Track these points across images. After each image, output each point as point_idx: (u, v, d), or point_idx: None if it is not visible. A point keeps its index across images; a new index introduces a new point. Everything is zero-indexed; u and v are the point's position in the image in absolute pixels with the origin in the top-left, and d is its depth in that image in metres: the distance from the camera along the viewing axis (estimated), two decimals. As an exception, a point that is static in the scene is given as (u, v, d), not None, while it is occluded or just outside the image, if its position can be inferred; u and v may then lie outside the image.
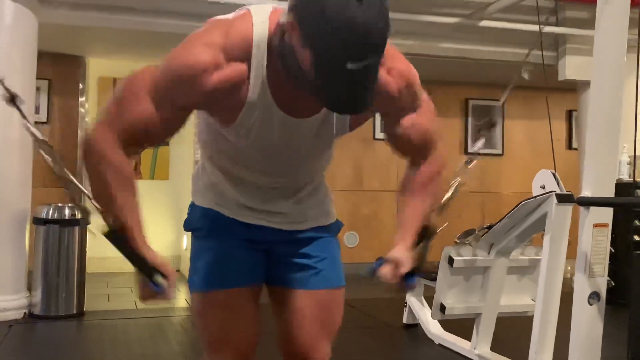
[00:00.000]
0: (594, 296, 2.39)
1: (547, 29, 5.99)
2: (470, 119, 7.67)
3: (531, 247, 3.85)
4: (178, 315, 5.09)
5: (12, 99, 1.46)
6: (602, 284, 2.41)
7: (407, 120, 1.53)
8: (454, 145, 7.52)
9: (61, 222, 4.71)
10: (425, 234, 1.60)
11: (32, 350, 4.02)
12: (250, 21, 1.39)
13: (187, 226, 1.73)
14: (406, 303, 4.48)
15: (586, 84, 6.48)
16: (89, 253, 4.97)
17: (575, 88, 6.68)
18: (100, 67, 6.78)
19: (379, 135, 6.85)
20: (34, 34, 4.82)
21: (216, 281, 1.61)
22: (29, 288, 4.81)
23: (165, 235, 7.38)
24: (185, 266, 6.91)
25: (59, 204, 4.81)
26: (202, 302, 1.65)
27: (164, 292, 1.38)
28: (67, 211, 4.77)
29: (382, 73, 1.40)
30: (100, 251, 5.17)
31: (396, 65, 1.47)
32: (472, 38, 6.02)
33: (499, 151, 7.71)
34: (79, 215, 4.80)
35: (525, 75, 6.53)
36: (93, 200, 1.43)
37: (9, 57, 4.61)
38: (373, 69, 1.25)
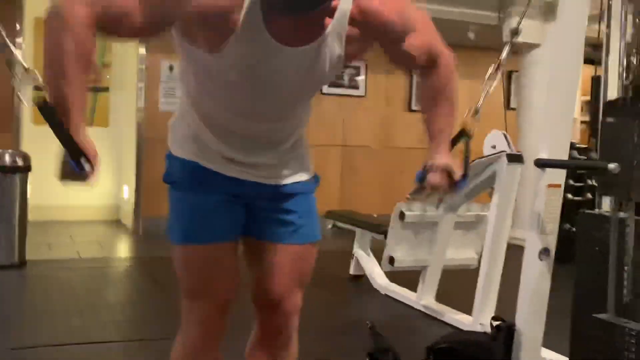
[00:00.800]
0: (545, 252, 2.50)
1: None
2: (415, 77, 7.73)
3: (476, 204, 3.98)
4: (121, 265, 5.04)
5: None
6: (552, 241, 2.52)
7: (407, 44, 1.52)
8: (399, 101, 7.60)
9: (2, 168, 4.53)
10: (462, 137, 1.72)
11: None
12: None
13: (166, 179, 1.69)
14: (353, 255, 4.56)
15: (530, 46, 6.66)
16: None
17: (517, 50, 6.82)
18: (37, 6, 6.45)
19: (327, 90, 6.83)
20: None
21: (197, 236, 1.59)
22: (-34, 237, 4.64)
23: (106, 183, 7.20)
24: (126, 216, 6.89)
25: (-1, 150, 4.62)
26: (182, 254, 1.64)
27: (84, 175, 1.34)
28: (7, 158, 4.59)
29: (374, 2, 1.42)
30: (39, 198, 5.06)
31: None
32: (421, -4, 6.03)
33: (440, 109, 7.83)
34: (20, 162, 4.62)
35: (471, 36, 6.64)
36: (39, 70, 1.37)
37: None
38: None
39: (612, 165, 2.06)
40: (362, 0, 1.41)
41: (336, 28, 1.42)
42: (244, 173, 1.62)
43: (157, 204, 6.59)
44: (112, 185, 7.23)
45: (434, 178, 1.57)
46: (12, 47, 1.41)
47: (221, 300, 1.62)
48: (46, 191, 5.58)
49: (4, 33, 1.42)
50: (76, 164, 1.33)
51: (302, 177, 1.71)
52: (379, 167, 7.45)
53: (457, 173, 1.58)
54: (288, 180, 1.68)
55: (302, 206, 1.70)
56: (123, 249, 5.82)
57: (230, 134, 1.59)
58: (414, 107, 7.65)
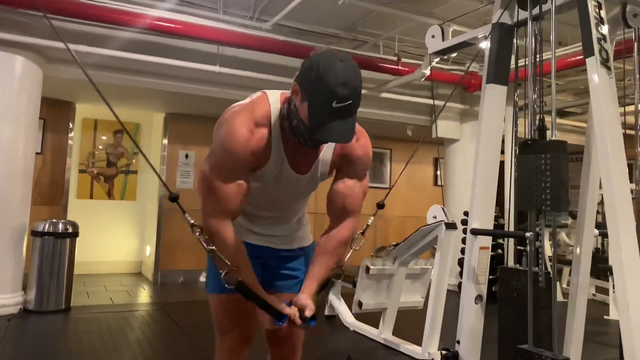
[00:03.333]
0: (478, 298, 2.53)
1: (425, 100, 6.34)
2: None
3: (421, 260, 4.02)
4: (141, 310, 4.89)
5: (174, 199, 1.52)
6: (484, 289, 2.55)
7: (350, 182, 1.59)
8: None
9: (55, 234, 4.44)
10: (325, 286, 1.60)
11: (28, 339, 3.72)
12: (267, 100, 1.49)
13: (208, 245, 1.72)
14: (328, 300, 4.53)
15: (450, 140, 6.91)
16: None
17: (442, 142, 7.07)
18: (85, 110, 6.49)
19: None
20: (39, 84, 4.57)
21: (227, 288, 1.61)
22: (24, 288, 4.48)
23: (132, 244, 7.08)
24: (147, 270, 6.72)
25: (54, 220, 4.53)
26: (216, 301, 1.67)
27: (281, 326, 1.46)
28: (60, 226, 4.50)
29: (354, 139, 1.50)
30: (78, 256, 4.93)
31: (363, 140, 1.58)
32: (374, 104, 6.26)
33: (387, 185, 7.99)
34: (70, 229, 4.54)
35: (409, 132, 6.86)
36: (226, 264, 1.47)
37: (18, 101, 4.34)
38: (352, 109, 1.35)
39: (527, 234, 2.13)
40: (346, 146, 1.54)
41: (325, 155, 1.56)
42: (262, 241, 1.70)
43: (172, 259, 6.50)
44: (136, 245, 7.10)
45: (290, 311, 1.48)
46: (187, 217, 1.49)
47: (245, 335, 1.66)
48: (84, 250, 5.46)
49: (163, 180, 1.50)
50: (277, 319, 1.45)
51: (304, 243, 1.78)
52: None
53: (309, 311, 1.48)
54: (294, 246, 1.75)
55: (303, 265, 1.75)
56: (146, 296, 5.64)
57: (253, 217, 1.68)
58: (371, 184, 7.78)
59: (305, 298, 1.51)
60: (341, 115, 1.32)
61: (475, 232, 2.44)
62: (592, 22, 2.15)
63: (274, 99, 1.49)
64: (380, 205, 1.89)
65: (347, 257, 1.67)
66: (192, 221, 1.46)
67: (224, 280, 1.45)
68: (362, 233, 1.72)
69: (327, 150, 1.56)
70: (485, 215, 2.54)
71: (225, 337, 1.65)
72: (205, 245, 1.45)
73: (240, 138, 1.40)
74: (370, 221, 1.80)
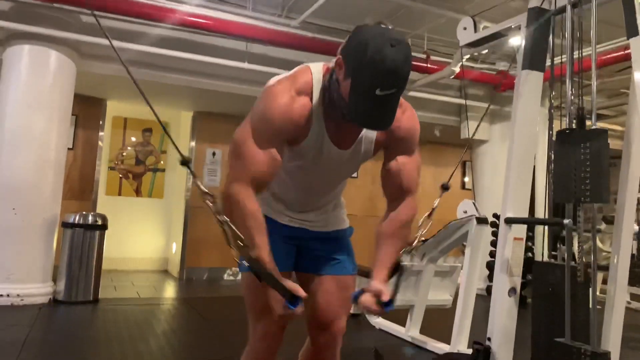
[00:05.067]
0: (512, 290, 2.45)
1: (454, 100, 6.26)
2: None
3: (451, 257, 3.95)
4: (167, 304, 4.93)
5: (185, 162, 1.40)
6: (517, 281, 2.48)
7: (402, 159, 1.52)
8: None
9: (85, 226, 4.50)
10: (397, 270, 1.55)
11: (57, 328, 3.77)
12: (310, 71, 1.43)
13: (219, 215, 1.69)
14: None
15: (479, 142, 6.80)
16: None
17: (470, 144, 6.96)
18: (115, 108, 6.60)
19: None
20: (72, 79, 4.66)
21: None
22: (54, 279, 4.55)
23: (158, 241, 7.14)
24: (173, 267, 6.77)
25: (84, 212, 4.60)
26: (249, 280, 1.60)
27: (295, 311, 1.32)
28: (90, 218, 4.56)
29: (399, 112, 1.42)
30: (106, 251, 5.00)
31: (409, 112, 1.51)
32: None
33: (413, 188, 7.88)
34: (100, 222, 4.60)
35: (437, 133, 6.78)
36: (239, 240, 1.35)
37: (52, 95, 4.43)
38: (395, 98, 1.27)
39: (566, 221, 2.06)
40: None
41: (370, 133, 1.49)
42: (297, 223, 1.65)
43: (198, 257, 6.54)
44: (163, 242, 7.17)
45: (364, 299, 1.43)
46: (198, 183, 1.40)
47: (280, 318, 1.59)
48: (112, 246, 5.53)
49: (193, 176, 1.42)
50: (289, 303, 1.31)
51: (339, 226, 1.73)
52: (367, 231, 7.37)
53: (385, 297, 1.42)
54: (329, 229, 1.70)
55: (341, 246, 1.70)
56: (172, 291, 5.68)
57: (291, 203, 1.64)
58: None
59: (378, 284, 1.45)
60: (383, 103, 1.25)
61: (510, 221, 2.38)
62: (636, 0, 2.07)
63: (317, 69, 1.44)
64: (445, 187, 1.82)
65: (416, 241, 1.60)
66: (205, 189, 1.35)
67: (236, 256, 1.36)
68: (429, 215, 1.66)
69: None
70: (519, 204, 2.47)
71: (259, 322, 1.59)
72: (217, 215, 1.32)
73: (280, 104, 1.35)
74: (436, 203, 1.73)
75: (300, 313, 1.32)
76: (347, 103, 1.29)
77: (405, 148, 1.52)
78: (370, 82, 1.23)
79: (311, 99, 1.41)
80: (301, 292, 1.31)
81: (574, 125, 2.24)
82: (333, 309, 1.63)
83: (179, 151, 1.43)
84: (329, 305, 1.63)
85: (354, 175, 1.73)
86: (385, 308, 1.42)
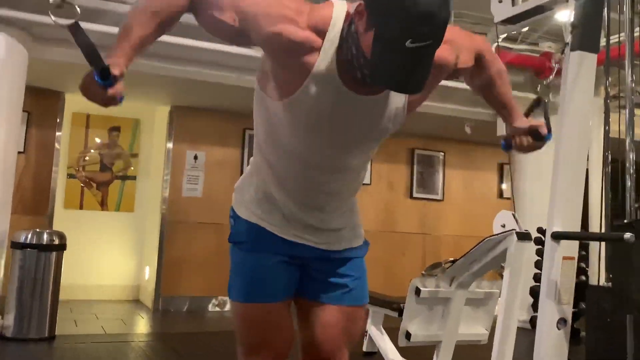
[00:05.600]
0: (561, 321, 2.45)
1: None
2: (415, 167, 7.83)
3: (485, 281, 3.93)
4: (139, 341, 4.95)
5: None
6: (568, 311, 2.47)
7: (461, 63, 1.53)
8: (401, 189, 7.67)
9: (39, 247, 4.51)
10: (540, 104, 1.84)
11: (6, 372, 3.79)
12: (332, 6, 1.39)
13: (232, 238, 1.67)
14: (366, 332, 4.47)
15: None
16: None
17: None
18: (75, 102, 6.63)
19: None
20: (24, 67, 4.70)
21: (255, 295, 1.59)
22: (1, 312, 4.56)
23: (128, 265, 7.16)
24: (146, 296, 6.78)
25: (38, 230, 4.62)
26: (241, 311, 1.63)
27: (108, 91, 1.26)
28: (45, 237, 4.58)
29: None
30: (65, 278, 5.01)
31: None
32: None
33: (439, 197, 7.89)
34: (56, 241, 4.61)
35: (468, 130, 6.78)
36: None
37: (-1, 88, 4.47)
38: (430, 53, 1.23)
39: (627, 235, 2.06)
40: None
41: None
42: (302, 239, 1.62)
43: (176, 283, 6.55)
44: (134, 266, 7.18)
45: (520, 141, 1.70)
46: None
47: (278, 354, 1.60)
48: (71, 271, 5.55)
49: None
50: (102, 77, 1.25)
51: (354, 243, 1.71)
52: (381, 249, 7.35)
53: (543, 129, 1.67)
54: (342, 247, 1.68)
55: (354, 270, 1.69)
56: (145, 325, 5.70)
57: (295, 188, 1.58)
58: (415, 195, 7.73)
59: (522, 121, 1.71)
60: (415, 57, 1.20)
61: (558, 237, 2.37)
62: None
63: (341, 6, 1.39)
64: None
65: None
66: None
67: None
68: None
69: None
70: (569, 216, 2.47)
71: (252, 358, 1.61)
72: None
73: (284, 12, 1.35)
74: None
75: (113, 94, 1.27)
76: (368, 60, 1.26)
77: (469, 47, 1.57)
78: (399, 31, 1.18)
79: (323, 38, 1.36)
80: (116, 71, 1.26)
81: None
82: (334, 342, 1.64)
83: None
84: (332, 338, 1.63)
85: (366, 181, 1.72)
86: (546, 139, 1.70)
